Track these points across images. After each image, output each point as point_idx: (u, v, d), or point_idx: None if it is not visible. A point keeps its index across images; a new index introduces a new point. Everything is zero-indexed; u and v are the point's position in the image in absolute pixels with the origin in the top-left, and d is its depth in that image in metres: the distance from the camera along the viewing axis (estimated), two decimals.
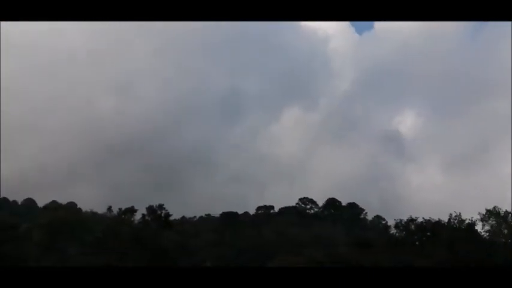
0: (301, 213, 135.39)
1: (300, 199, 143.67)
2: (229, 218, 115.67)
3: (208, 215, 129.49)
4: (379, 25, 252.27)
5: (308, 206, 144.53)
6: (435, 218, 69.25)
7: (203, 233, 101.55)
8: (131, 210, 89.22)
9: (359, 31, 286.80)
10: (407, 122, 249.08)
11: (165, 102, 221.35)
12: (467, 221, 66.01)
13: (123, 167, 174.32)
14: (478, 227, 64.98)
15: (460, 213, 67.00)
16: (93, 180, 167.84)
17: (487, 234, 64.09)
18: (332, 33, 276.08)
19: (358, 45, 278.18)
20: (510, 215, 61.40)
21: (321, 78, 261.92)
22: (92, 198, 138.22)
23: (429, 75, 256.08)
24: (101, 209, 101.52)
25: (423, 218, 70.09)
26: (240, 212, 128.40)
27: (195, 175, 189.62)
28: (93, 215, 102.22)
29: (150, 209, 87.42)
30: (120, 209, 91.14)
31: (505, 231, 61.57)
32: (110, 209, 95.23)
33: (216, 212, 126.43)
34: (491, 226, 62.93)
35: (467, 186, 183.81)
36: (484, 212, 62.84)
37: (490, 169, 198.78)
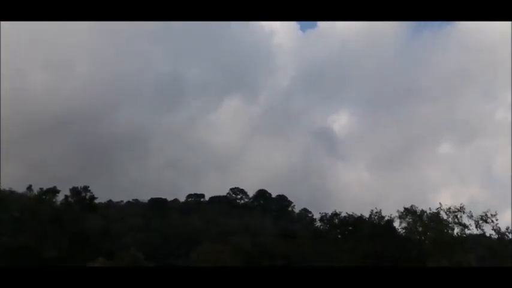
0: (231, 203, 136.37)
1: (231, 189, 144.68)
2: (158, 204, 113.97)
3: (136, 200, 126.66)
4: (323, 24, 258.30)
5: (239, 196, 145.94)
6: (358, 213, 72.30)
7: (129, 218, 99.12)
8: (53, 191, 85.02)
9: (303, 28, 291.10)
10: (341, 121, 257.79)
11: (101, 82, 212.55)
12: (386, 218, 69.52)
13: (50, 146, 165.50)
14: (396, 224, 68.54)
15: (380, 210, 70.40)
16: (14, 157, 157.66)
17: (404, 231, 67.72)
18: (277, 28, 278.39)
19: (301, 43, 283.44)
20: (425, 214, 65.21)
21: (263, 72, 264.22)
22: (12, 177, 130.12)
23: (366, 76, 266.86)
24: (21, 188, 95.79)
25: (346, 212, 72.96)
26: (170, 199, 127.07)
27: (127, 159, 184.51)
28: (11, 193, 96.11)
29: (74, 190, 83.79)
30: (41, 188, 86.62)
31: (420, 229, 65.31)
32: (30, 188, 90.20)
33: (146, 197, 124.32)
34: (408, 224, 66.39)
35: (390, 185, 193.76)
36: (402, 210, 66.24)
37: (412, 170, 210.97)
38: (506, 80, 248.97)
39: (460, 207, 62.16)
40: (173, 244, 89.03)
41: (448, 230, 62.64)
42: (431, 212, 64.16)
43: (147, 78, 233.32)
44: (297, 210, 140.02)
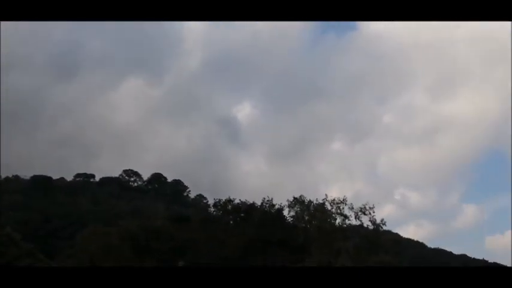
0: (123, 185, 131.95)
1: (125, 171, 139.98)
2: (41, 182, 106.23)
3: (16, 176, 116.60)
4: None
5: (132, 179, 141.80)
6: (250, 200, 74.07)
7: (7, 195, 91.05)
8: None
9: None
10: (245, 111, 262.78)
11: None
12: (277, 206, 72.19)
13: None
14: (285, 212, 71.42)
15: (272, 199, 72.81)
16: None
17: (292, 219, 70.86)
18: None
19: (212, 29, 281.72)
20: (312, 204, 68.72)
21: (170, 55, 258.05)
22: None
23: (271, 70, 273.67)
24: None
25: (240, 199, 74.35)
26: (56, 177, 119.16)
27: (12, 131, 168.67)
28: None
29: None
30: None
31: (306, 217, 68.75)
32: None
33: (28, 174, 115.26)
34: (296, 212, 69.49)
35: (285, 176, 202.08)
36: (291, 199, 69.16)
37: (306, 164, 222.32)
38: (396, 86, 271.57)
39: (343, 200, 66.44)
40: (56, 225, 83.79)
41: (331, 220, 66.63)
42: (317, 202, 67.72)
43: (40, 43, 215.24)
44: (192, 195, 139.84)
